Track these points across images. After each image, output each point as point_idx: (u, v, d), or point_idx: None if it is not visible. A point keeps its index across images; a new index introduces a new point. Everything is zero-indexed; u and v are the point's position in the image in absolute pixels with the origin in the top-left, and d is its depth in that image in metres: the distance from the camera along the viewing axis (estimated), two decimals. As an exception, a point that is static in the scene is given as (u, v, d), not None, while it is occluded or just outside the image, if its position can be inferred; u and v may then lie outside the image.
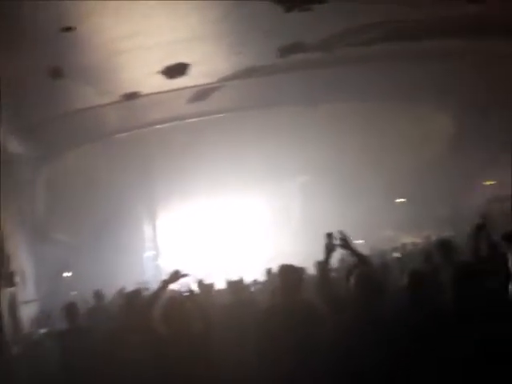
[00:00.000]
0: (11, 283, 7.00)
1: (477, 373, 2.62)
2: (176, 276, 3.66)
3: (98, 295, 7.34)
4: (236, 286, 5.80)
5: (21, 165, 10.05)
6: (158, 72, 8.69)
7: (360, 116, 14.22)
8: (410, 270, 3.80)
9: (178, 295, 3.97)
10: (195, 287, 4.36)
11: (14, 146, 9.33)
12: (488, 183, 14.63)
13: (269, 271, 9.90)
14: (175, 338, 3.45)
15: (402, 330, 3.12)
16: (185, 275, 3.67)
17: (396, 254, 6.86)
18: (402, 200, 17.08)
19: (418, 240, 13.50)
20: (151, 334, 3.53)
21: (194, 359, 3.37)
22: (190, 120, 12.95)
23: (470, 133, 13.85)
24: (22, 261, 8.27)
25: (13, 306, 6.91)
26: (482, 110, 12.65)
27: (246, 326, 4.31)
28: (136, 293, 4.78)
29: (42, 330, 6.49)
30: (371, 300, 3.16)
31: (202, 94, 11.11)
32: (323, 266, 3.76)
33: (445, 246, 4.98)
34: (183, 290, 3.80)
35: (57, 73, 6.72)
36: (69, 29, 5.29)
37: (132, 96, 9.85)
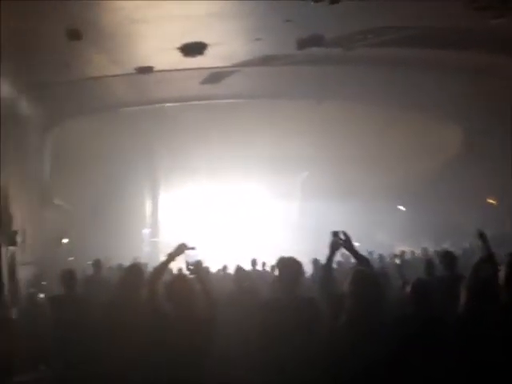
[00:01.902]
0: (13, 242, 6.96)
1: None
2: (181, 249, 3.58)
3: (97, 264, 7.29)
4: (238, 274, 5.74)
5: (30, 127, 10.02)
6: (175, 48, 8.58)
7: (369, 118, 14.19)
8: (417, 279, 3.77)
9: (183, 273, 3.88)
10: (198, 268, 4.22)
11: (25, 107, 9.28)
12: (489, 201, 14.65)
13: (256, 262, 9.93)
14: (179, 315, 3.37)
15: (403, 336, 3.10)
16: (191, 248, 3.59)
17: (397, 261, 6.90)
18: (402, 208, 17.12)
19: (415, 250, 13.52)
20: (154, 310, 3.43)
21: (197, 339, 3.31)
22: (200, 102, 12.90)
23: (478, 148, 13.86)
24: (24, 222, 8.25)
25: (12, 266, 6.89)
26: (492, 126, 12.65)
27: (248, 315, 4.24)
28: (135, 267, 4.69)
29: (40, 294, 6.48)
30: (368, 299, 3.11)
31: (215, 76, 11.02)
32: (327, 263, 3.73)
33: (448, 258, 5.03)
34: (189, 264, 3.62)
35: (74, 35, 6.62)
36: (92, -10, 5.22)
37: (146, 70, 9.73)
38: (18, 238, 7.23)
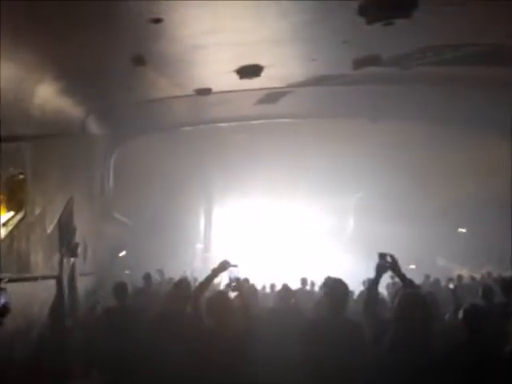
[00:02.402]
0: (74, 254, 7.38)
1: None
2: (224, 266, 3.73)
3: (147, 277, 7.61)
4: (284, 292, 5.80)
5: (96, 145, 10.68)
6: (233, 71, 8.85)
7: (426, 138, 13.83)
8: (470, 305, 3.63)
9: (224, 290, 4.01)
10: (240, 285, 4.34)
11: (92, 126, 9.93)
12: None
13: (306, 281, 9.87)
14: (219, 329, 3.50)
15: (451, 365, 2.99)
16: (234, 265, 3.72)
17: (450, 285, 6.61)
18: (462, 230, 16.38)
19: (475, 274, 12.89)
20: (197, 323, 3.59)
21: (235, 353, 3.40)
22: (255, 122, 13.16)
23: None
24: (86, 234, 8.76)
25: (71, 276, 7.28)
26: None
27: (290, 333, 4.29)
28: (183, 282, 4.90)
29: (97, 304, 6.82)
30: (416, 324, 3.04)
31: (271, 97, 11.23)
32: (372, 285, 3.74)
33: (508, 284, 4.75)
34: (231, 280, 3.79)
35: (139, 61, 7.05)
36: (157, 20, 5.54)
37: (204, 92, 10.08)
38: (79, 250, 7.65)
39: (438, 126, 13.23)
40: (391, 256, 3.64)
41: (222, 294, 3.81)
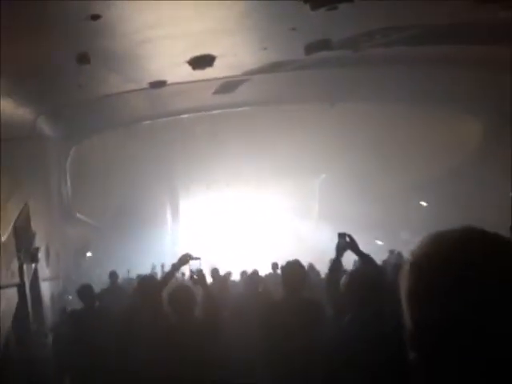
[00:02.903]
0: (34, 259, 7.21)
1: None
2: (186, 259, 3.74)
3: (113, 276, 7.57)
4: (251, 278, 5.88)
5: (51, 146, 10.41)
6: (185, 62, 8.78)
7: (384, 117, 14.11)
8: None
9: (185, 282, 4.04)
10: (209, 275, 4.35)
11: (44, 127, 9.68)
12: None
13: (277, 266, 9.99)
14: (181, 322, 3.55)
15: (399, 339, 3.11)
16: (195, 258, 3.73)
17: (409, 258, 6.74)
18: (424, 204, 16.86)
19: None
20: (161, 317, 3.63)
21: (199, 345, 3.44)
22: (214, 111, 13.11)
23: (499, 141, 13.55)
24: (47, 238, 8.59)
25: (34, 282, 7.14)
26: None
27: (257, 318, 4.35)
28: (149, 277, 4.94)
29: (65, 309, 6.73)
30: (365, 300, 3.12)
31: (227, 86, 11.21)
32: (333, 264, 3.81)
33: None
34: (193, 273, 3.78)
35: (83, 58, 6.89)
36: (95, 17, 5.43)
37: (159, 84, 9.98)
38: (40, 254, 7.50)
39: (395, 105, 13.51)
40: (349, 236, 3.73)
41: (182, 287, 3.85)
